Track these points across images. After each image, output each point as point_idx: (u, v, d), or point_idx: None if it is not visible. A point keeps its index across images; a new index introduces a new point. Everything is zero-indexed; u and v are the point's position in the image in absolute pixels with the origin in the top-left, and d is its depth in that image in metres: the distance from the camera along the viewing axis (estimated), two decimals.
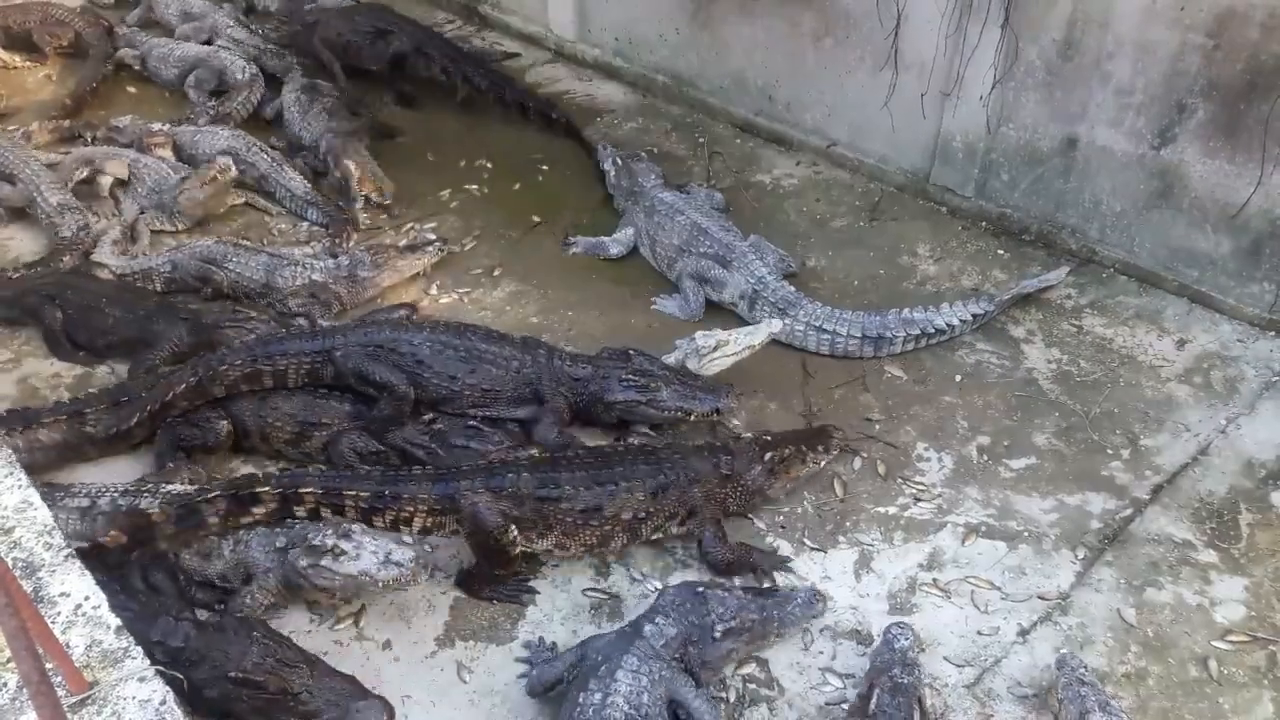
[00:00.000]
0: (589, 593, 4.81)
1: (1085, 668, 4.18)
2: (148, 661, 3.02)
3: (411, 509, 4.63)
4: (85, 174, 7.35)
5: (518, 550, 4.66)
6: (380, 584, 4.33)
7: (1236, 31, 5.69)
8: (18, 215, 7.21)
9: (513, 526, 4.61)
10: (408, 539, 4.53)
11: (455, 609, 4.72)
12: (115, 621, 3.11)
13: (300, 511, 4.62)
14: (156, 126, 7.95)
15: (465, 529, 4.65)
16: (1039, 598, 4.76)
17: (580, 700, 3.85)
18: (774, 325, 5.89)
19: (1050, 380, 5.97)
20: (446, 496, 4.62)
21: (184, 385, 5.30)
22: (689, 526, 4.89)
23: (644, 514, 4.78)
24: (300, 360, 5.44)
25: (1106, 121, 6.41)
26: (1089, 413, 5.73)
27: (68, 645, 3.00)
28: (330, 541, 4.36)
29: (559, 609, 4.75)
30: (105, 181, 7.36)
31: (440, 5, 10.47)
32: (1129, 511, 5.17)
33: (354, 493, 4.58)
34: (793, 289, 6.29)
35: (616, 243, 7.03)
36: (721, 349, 5.66)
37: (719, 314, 6.46)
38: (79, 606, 3.15)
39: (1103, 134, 6.46)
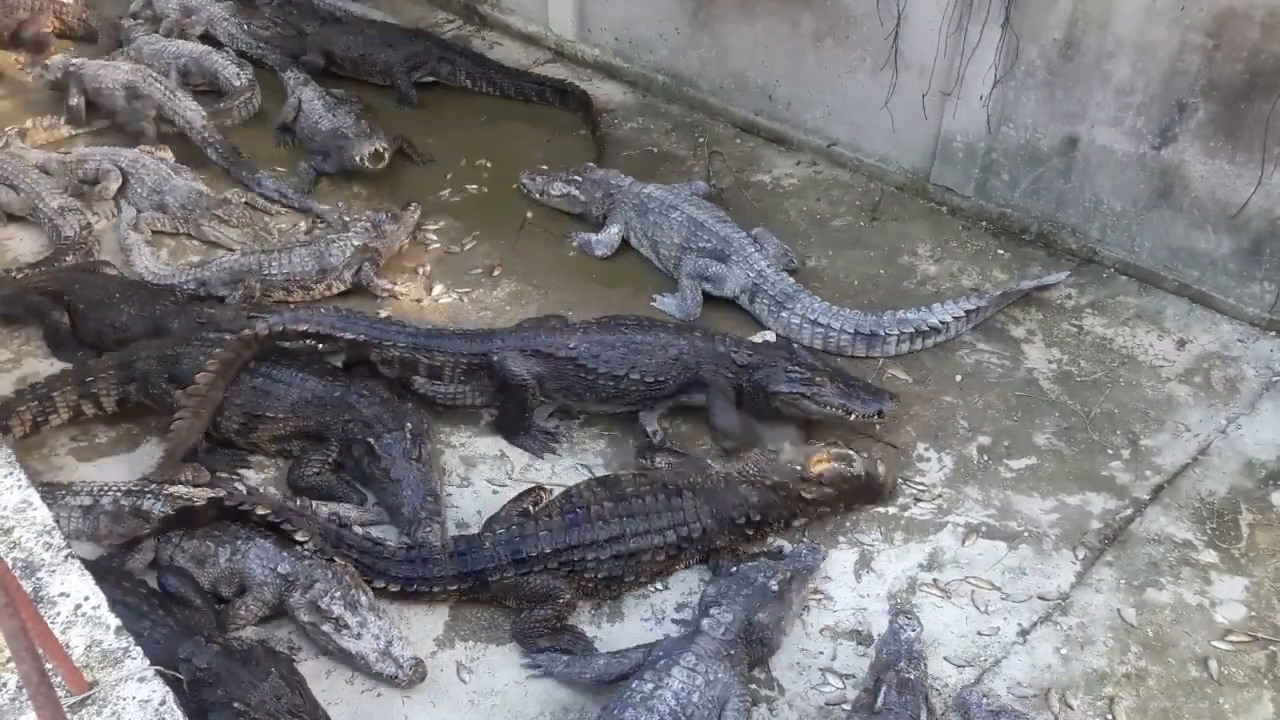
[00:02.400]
0: None
1: (987, 696, 4.13)
2: (148, 661, 3.02)
3: (444, 596, 4.65)
4: (82, 175, 7.42)
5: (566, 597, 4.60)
6: (373, 672, 4.29)
7: (1236, 31, 5.69)
8: (14, 215, 7.22)
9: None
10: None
11: (455, 609, 4.72)
12: (115, 621, 3.11)
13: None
14: (69, 59, 8.40)
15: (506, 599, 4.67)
16: (1039, 598, 4.76)
17: (632, 687, 3.93)
18: (768, 337, 6.05)
19: (1050, 380, 5.96)
20: (479, 585, 4.61)
21: (350, 336, 5.39)
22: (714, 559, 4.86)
23: (662, 565, 4.76)
24: (458, 358, 5.49)
25: (1107, 121, 6.41)
26: (1089, 413, 5.73)
27: (67, 645, 3.01)
28: (336, 611, 4.32)
29: None
30: (112, 186, 7.39)
31: (440, 5, 10.47)
32: (1129, 511, 5.16)
33: (383, 585, 4.56)
34: (792, 281, 6.31)
35: (601, 243, 7.00)
36: None
37: (719, 309, 6.46)
38: (79, 606, 3.15)
39: (1103, 134, 6.46)
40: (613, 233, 7.00)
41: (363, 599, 4.39)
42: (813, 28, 7.58)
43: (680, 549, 4.73)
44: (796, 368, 5.40)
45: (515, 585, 4.56)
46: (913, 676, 3.98)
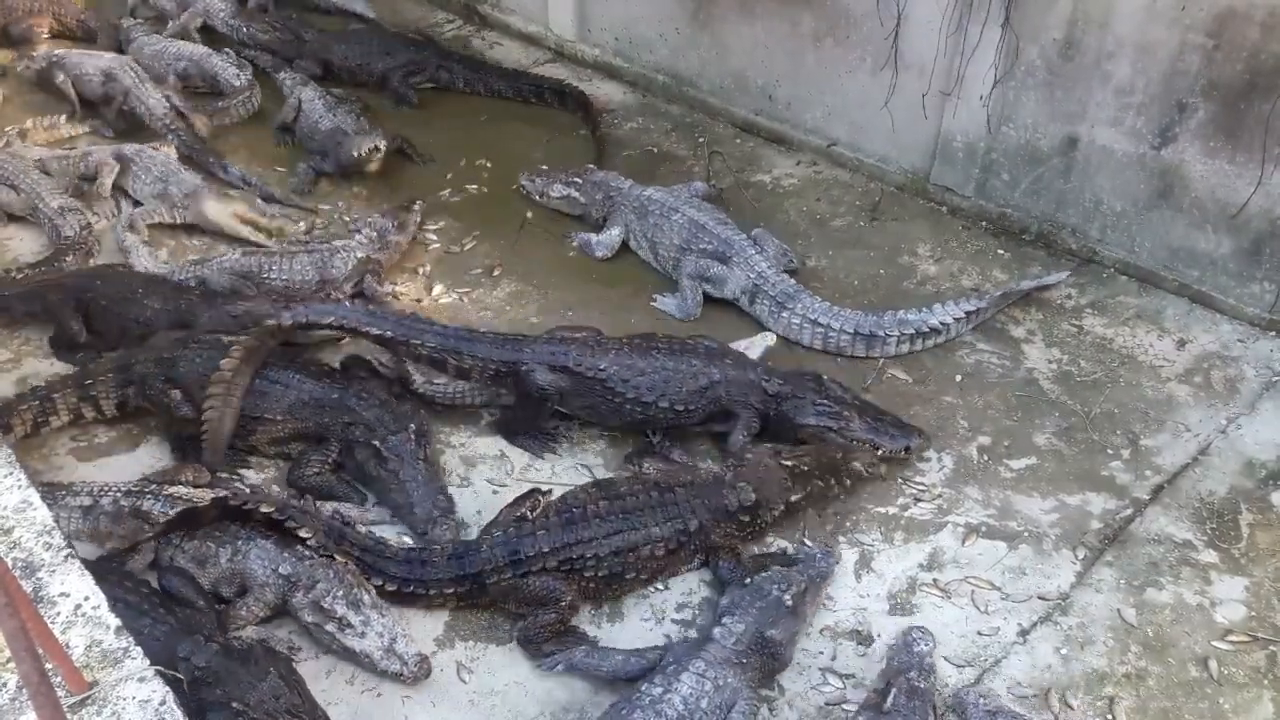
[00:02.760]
0: None
1: (985, 697, 4.14)
2: (148, 661, 3.02)
3: (440, 600, 4.63)
4: (83, 169, 7.42)
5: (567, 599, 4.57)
6: (378, 670, 4.30)
7: (1236, 31, 5.69)
8: (14, 215, 7.21)
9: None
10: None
11: (455, 609, 4.71)
12: (115, 621, 3.11)
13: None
14: (52, 51, 8.69)
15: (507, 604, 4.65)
16: (1039, 598, 4.76)
17: (641, 689, 3.97)
18: (769, 339, 6.04)
19: (1050, 380, 5.96)
20: (477, 588, 4.60)
21: (376, 332, 5.36)
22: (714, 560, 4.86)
23: (662, 562, 4.75)
24: (487, 364, 5.44)
25: (1107, 121, 6.41)
26: (1089, 413, 5.73)
27: (67, 645, 3.01)
28: (339, 610, 4.32)
29: None
30: (108, 180, 7.38)
31: (440, 5, 10.47)
32: (1129, 511, 5.16)
33: (380, 584, 4.56)
34: (793, 282, 6.31)
35: (602, 245, 6.98)
36: None
37: (719, 310, 6.47)
38: (79, 606, 3.15)
39: (1103, 134, 6.46)
40: (614, 234, 6.99)
41: (365, 597, 4.38)
42: (813, 28, 7.58)
43: (679, 543, 4.73)
44: (825, 401, 5.38)
45: (514, 587, 4.55)
46: (923, 686, 4.05)
